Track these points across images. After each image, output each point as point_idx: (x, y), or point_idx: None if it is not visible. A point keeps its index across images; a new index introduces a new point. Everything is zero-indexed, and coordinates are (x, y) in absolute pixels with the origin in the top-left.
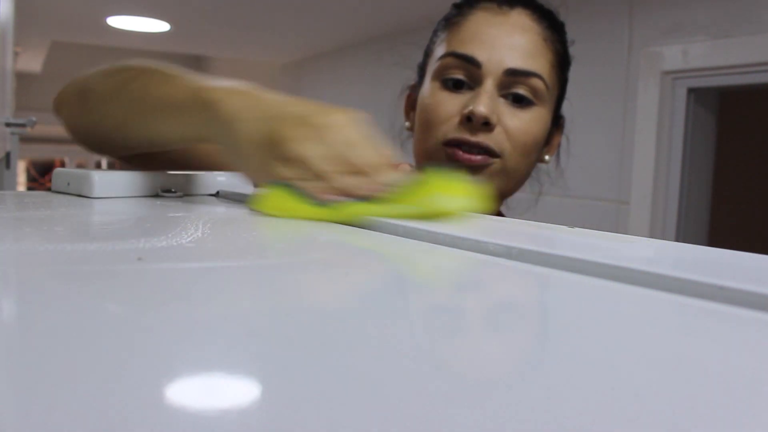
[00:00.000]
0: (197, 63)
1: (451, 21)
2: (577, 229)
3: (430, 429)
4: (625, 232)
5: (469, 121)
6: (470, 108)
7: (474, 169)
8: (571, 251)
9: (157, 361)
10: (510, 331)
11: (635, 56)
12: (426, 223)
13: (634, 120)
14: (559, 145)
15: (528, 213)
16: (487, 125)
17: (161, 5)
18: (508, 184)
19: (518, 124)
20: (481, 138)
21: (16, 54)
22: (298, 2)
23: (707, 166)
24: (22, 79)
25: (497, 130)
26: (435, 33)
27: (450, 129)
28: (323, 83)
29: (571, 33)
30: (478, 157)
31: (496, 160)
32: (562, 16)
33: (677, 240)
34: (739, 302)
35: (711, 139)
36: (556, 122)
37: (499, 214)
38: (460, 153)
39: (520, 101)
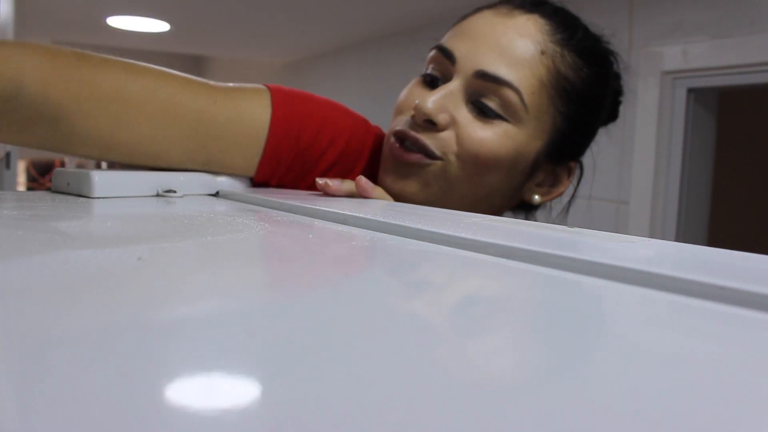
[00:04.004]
0: (197, 63)
1: (460, 18)
2: (577, 229)
3: (430, 429)
4: (625, 232)
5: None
6: (417, 101)
7: (410, 169)
8: (571, 251)
9: (157, 361)
10: (510, 332)
11: (635, 56)
12: (427, 224)
13: (634, 120)
14: (572, 197)
15: None
16: (432, 124)
17: (161, 5)
18: (454, 200)
19: (473, 133)
20: (422, 135)
21: None
22: (298, 2)
23: (707, 166)
24: None
25: (446, 134)
26: None
27: (401, 121)
28: (323, 83)
29: None
30: (413, 156)
31: (436, 162)
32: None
33: (677, 240)
34: (739, 302)
35: (711, 139)
36: (559, 162)
37: None
38: (397, 147)
39: (485, 113)
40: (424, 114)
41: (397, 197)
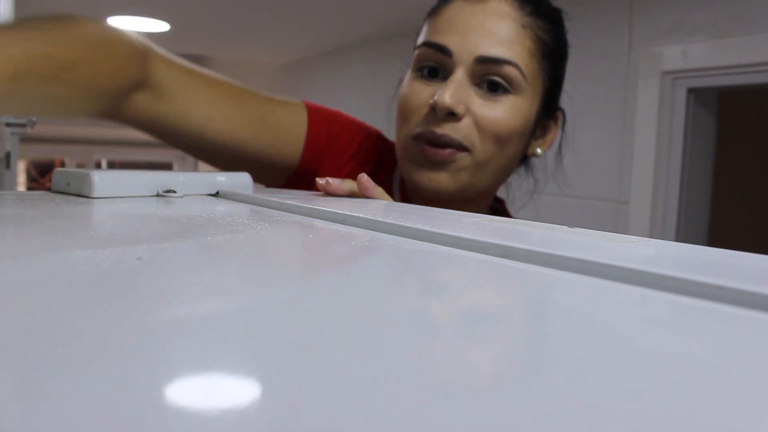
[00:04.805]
0: (197, 63)
1: (432, 11)
2: (577, 229)
3: (430, 430)
4: (625, 232)
5: (434, 111)
6: (435, 98)
7: (441, 164)
8: (571, 251)
9: (157, 361)
10: (510, 332)
11: (635, 56)
12: (427, 224)
13: (634, 120)
14: (560, 141)
15: (524, 209)
16: (452, 116)
17: (161, 5)
18: (482, 178)
19: (489, 114)
20: (448, 130)
21: None
22: (298, 2)
23: (707, 166)
24: None
25: (465, 122)
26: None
27: (419, 121)
28: (323, 83)
29: (570, 32)
30: (445, 152)
31: (464, 154)
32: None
33: (677, 240)
34: (739, 302)
35: (711, 139)
36: (549, 115)
37: (493, 210)
38: (428, 148)
39: (494, 90)
40: (446, 108)
41: (432, 191)
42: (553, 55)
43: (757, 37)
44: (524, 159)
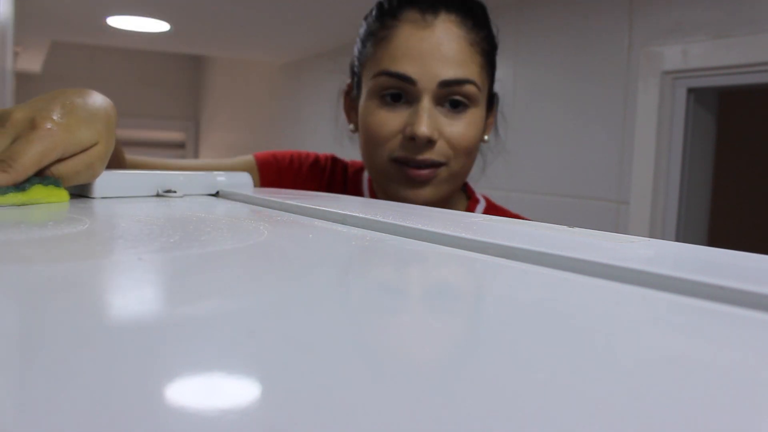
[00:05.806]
0: (197, 63)
1: (378, 36)
2: (577, 229)
3: (432, 428)
4: (625, 232)
5: (412, 140)
6: (411, 129)
7: (423, 181)
8: (571, 251)
9: (157, 361)
10: (510, 332)
11: (635, 56)
12: (427, 224)
13: (634, 120)
14: (496, 119)
15: (525, 211)
16: (430, 143)
17: (161, 5)
18: (458, 182)
19: (457, 132)
20: (427, 154)
21: (16, 54)
22: (297, 2)
23: (707, 166)
24: (22, 79)
25: (440, 143)
26: (363, 42)
27: (395, 147)
28: (321, 83)
29: (570, 32)
30: (427, 171)
31: (442, 168)
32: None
33: (677, 240)
34: (739, 302)
35: (711, 139)
36: (489, 105)
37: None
38: (409, 170)
39: (456, 106)
40: (426, 138)
41: (419, 204)
42: (491, 56)
43: (757, 37)
44: None
